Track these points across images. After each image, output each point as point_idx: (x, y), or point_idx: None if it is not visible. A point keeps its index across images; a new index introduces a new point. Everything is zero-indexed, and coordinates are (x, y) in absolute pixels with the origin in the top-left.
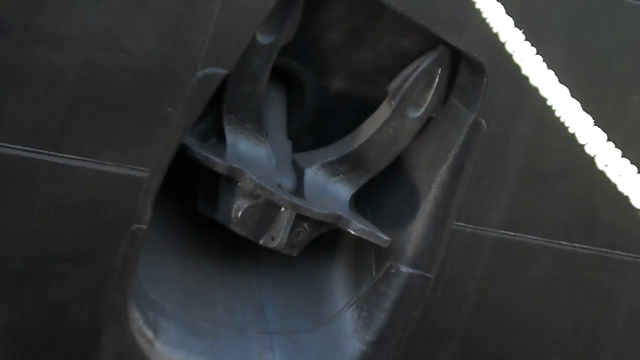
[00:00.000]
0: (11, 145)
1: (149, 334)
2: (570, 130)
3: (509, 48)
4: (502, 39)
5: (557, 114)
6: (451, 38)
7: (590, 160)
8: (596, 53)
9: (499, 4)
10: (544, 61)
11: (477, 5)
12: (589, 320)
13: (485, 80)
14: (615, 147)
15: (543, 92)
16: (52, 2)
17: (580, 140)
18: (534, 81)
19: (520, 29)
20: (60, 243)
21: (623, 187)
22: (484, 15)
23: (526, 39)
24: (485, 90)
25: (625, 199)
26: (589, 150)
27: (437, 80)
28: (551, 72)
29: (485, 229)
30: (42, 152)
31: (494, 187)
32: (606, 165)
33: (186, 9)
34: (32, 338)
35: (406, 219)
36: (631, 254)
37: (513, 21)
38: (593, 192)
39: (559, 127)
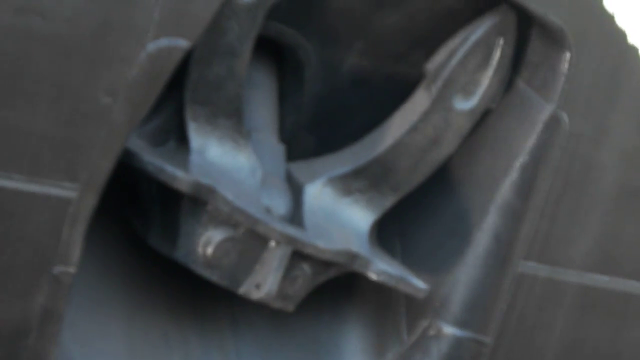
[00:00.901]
0: None
1: None
2: None
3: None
4: None
5: None
6: None
7: None
8: None
9: None
10: None
11: None
12: None
13: (569, 55)
14: None
15: None
16: None
17: None
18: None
19: None
20: None
21: None
22: None
23: None
24: (568, 70)
25: None
26: None
27: (497, 55)
28: None
29: (567, 271)
30: None
31: (579, 212)
32: None
33: None
34: None
35: (452, 259)
36: None
37: None
38: None
39: None
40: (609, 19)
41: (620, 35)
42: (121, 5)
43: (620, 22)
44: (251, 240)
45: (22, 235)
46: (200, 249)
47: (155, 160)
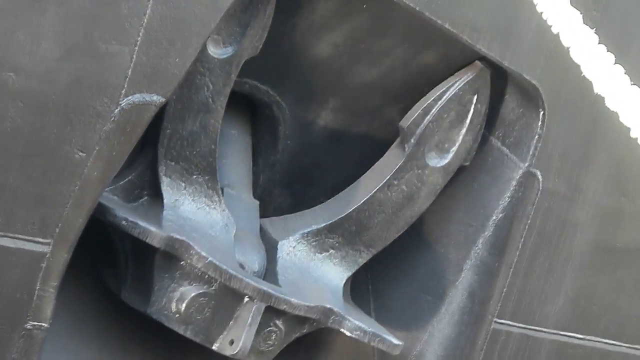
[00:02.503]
0: None
1: None
2: None
3: (574, 55)
4: (565, 43)
5: None
6: (493, 51)
7: None
8: None
9: None
10: (626, 74)
11: None
12: None
13: (542, 113)
14: None
15: (625, 117)
16: None
17: None
18: (611, 102)
19: (592, 29)
20: None
21: None
22: (540, 7)
23: (600, 42)
24: (542, 128)
25: None
26: None
27: (470, 113)
28: (637, 88)
29: (541, 329)
30: None
31: (553, 270)
32: None
33: (104, 5)
34: None
35: (426, 315)
36: None
37: (581, 17)
38: None
39: None
40: (583, 78)
41: (594, 95)
42: (95, 61)
43: (595, 82)
44: (225, 296)
45: None
46: (173, 305)
47: (129, 216)
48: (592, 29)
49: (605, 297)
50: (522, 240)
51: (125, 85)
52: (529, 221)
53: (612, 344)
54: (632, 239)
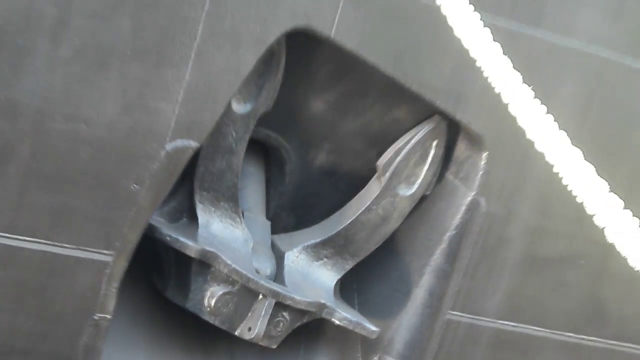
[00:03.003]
0: None
1: None
2: (579, 200)
3: (512, 109)
4: (505, 99)
5: (564, 181)
6: (448, 107)
7: (601, 242)
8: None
9: (505, 57)
10: (555, 121)
11: (478, 64)
12: None
13: (485, 154)
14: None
15: (549, 157)
16: (2, 64)
17: (591, 211)
18: (541, 145)
19: (529, 86)
20: (13, 334)
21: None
22: (485, 73)
23: (535, 97)
24: (485, 165)
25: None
26: (600, 221)
27: (431, 154)
28: (563, 134)
29: (483, 319)
30: None
31: (493, 274)
32: (619, 236)
33: (153, 73)
34: None
35: (396, 308)
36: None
37: (521, 78)
38: (601, 280)
39: (567, 208)
40: (517, 127)
41: (526, 140)
42: (146, 115)
43: (528, 129)
44: (244, 294)
45: (71, 290)
46: (206, 301)
47: (172, 233)
48: (530, 86)
49: (532, 294)
50: (470, 251)
51: (169, 134)
52: (475, 236)
53: (538, 330)
54: (552, 250)
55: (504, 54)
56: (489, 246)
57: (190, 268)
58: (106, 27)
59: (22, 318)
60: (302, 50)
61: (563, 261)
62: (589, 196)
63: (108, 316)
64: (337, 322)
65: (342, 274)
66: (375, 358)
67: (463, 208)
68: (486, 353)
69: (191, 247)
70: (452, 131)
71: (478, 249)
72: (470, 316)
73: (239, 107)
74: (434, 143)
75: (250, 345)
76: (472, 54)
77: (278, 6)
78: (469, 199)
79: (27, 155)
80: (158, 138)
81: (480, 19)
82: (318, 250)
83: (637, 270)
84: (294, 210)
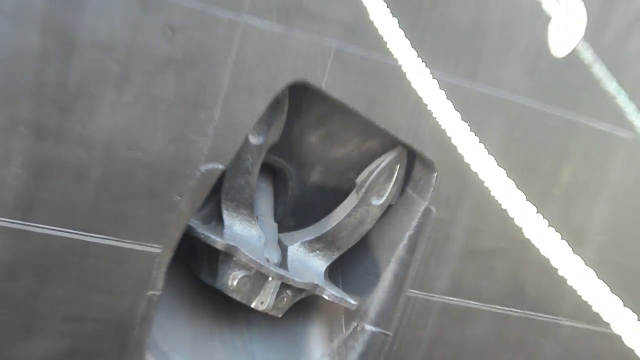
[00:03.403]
0: (49, 227)
1: None
2: (504, 207)
3: (454, 140)
4: (449, 134)
5: (493, 193)
6: (408, 140)
7: (521, 240)
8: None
9: (449, 102)
10: (485, 149)
11: (429, 108)
12: None
13: (435, 174)
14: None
15: (483, 175)
16: (80, 108)
17: (512, 215)
18: (475, 167)
19: (466, 123)
20: (90, 306)
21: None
22: (434, 114)
23: (471, 131)
24: (435, 182)
25: (549, 271)
26: (519, 222)
27: (396, 174)
28: (491, 158)
29: (434, 295)
30: (74, 232)
31: (440, 262)
32: (533, 234)
33: (191, 114)
34: None
35: (370, 287)
36: (550, 316)
37: (460, 116)
38: (521, 266)
39: (495, 213)
40: (459, 154)
41: (465, 162)
42: (186, 145)
43: (465, 155)
44: (258, 277)
45: (130, 273)
46: (229, 282)
47: (205, 232)
48: (467, 124)
49: (469, 277)
50: (424, 246)
51: (203, 159)
52: (427, 235)
53: (474, 304)
54: (484, 245)
55: (447, 99)
56: (437, 242)
57: (218, 257)
58: (157, 80)
59: (95, 294)
60: (300, 98)
61: (492, 253)
62: (511, 204)
63: (158, 293)
64: (326, 297)
65: (330, 262)
66: (355, 324)
67: (419, 214)
68: (436, 321)
69: (219, 242)
70: (411, 157)
71: (430, 244)
72: (424, 293)
73: (254, 140)
74: (398, 166)
75: (262, 314)
76: (425, 100)
77: (283, 66)
78: (423, 207)
79: (99, 175)
80: (195, 162)
81: (431, 74)
82: (312, 245)
83: (547, 258)
84: (294, 215)
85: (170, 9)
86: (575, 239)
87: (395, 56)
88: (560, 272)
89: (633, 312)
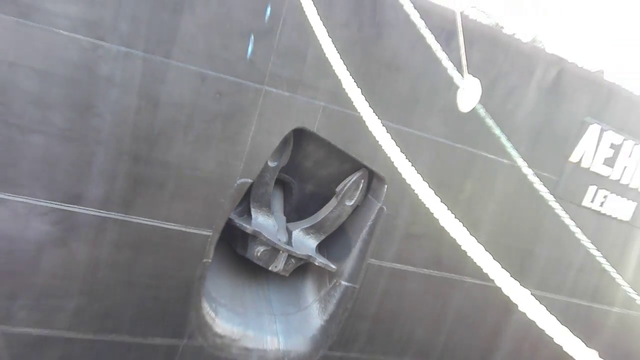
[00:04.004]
0: (143, 218)
1: (212, 314)
2: (428, 207)
3: (397, 165)
4: (393, 160)
5: (421, 198)
6: (369, 164)
7: (439, 228)
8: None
9: (393, 142)
10: (416, 170)
11: (382, 146)
12: (436, 312)
13: (386, 186)
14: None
15: (415, 187)
16: (161, 144)
17: (433, 212)
18: (410, 181)
19: (404, 154)
20: (167, 268)
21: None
22: (385, 149)
23: (407, 159)
24: (386, 191)
25: (456, 247)
26: (438, 217)
27: (361, 185)
28: (419, 176)
29: (385, 262)
30: (158, 222)
31: (389, 242)
32: (447, 223)
33: (231, 148)
34: (149, 311)
35: (344, 257)
36: (458, 275)
37: (400, 149)
38: (440, 244)
39: (423, 211)
40: (400, 173)
41: (404, 178)
42: (226, 167)
43: (405, 173)
44: (273, 251)
45: (192, 248)
46: (255, 253)
47: (240, 222)
48: (404, 156)
49: (407, 251)
50: (379, 231)
51: (239, 176)
52: (381, 225)
53: (411, 268)
54: (417, 231)
55: (392, 139)
56: (387, 229)
57: (248, 238)
58: (210, 126)
59: (170, 261)
60: (301, 138)
61: (422, 236)
62: (433, 205)
63: (209, 260)
64: (317, 264)
65: (319, 241)
66: (334, 280)
67: (375, 211)
68: (386, 280)
69: (249, 228)
70: (371, 175)
71: (382, 231)
72: (379, 261)
73: (271, 163)
74: (362, 180)
75: (276, 274)
76: (379, 139)
77: (289, 117)
78: (378, 207)
79: (173, 186)
80: (233, 177)
81: (382, 123)
82: (308, 230)
83: (455, 239)
84: (297, 212)
85: (218, 80)
86: (473, 228)
87: (360, 111)
88: (463, 247)
89: (507, 272)
